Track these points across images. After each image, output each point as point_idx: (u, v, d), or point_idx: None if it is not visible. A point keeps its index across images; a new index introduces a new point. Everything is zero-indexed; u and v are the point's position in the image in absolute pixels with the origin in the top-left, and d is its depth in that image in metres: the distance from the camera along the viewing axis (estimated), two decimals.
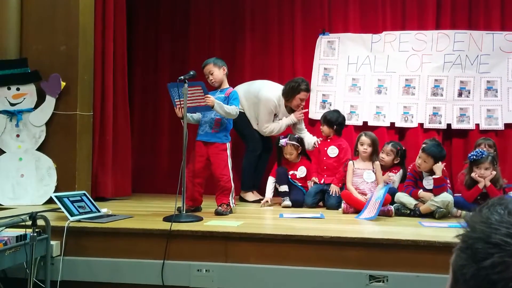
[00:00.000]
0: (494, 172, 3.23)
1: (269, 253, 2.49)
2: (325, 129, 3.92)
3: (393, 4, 4.56)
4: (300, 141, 3.90)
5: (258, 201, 3.96)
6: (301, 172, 3.87)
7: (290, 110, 4.07)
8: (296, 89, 3.94)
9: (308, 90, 4.02)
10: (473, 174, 3.25)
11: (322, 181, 3.82)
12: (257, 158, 4.15)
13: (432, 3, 4.48)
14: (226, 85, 3.40)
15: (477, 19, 4.45)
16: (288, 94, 3.97)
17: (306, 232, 2.54)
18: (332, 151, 3.87)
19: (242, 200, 4.06)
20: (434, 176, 3.24)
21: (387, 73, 4.50)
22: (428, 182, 3.30)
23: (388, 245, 2.41)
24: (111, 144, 3.87)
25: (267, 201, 3.73)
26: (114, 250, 2.59)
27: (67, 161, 3.54)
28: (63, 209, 2.79)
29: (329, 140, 3.93)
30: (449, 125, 4.38)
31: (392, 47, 4.49)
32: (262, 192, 3.97)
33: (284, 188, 3.76)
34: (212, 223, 2.79)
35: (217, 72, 3.32)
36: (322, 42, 4.62)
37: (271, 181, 3.83)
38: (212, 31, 4.79)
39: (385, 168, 3.76)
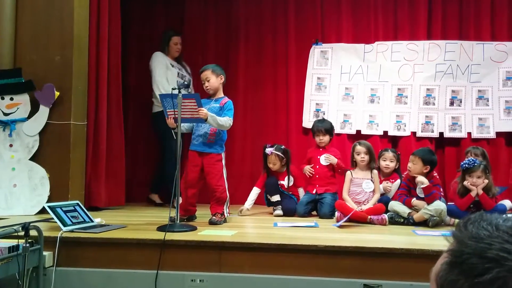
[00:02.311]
0: (486, 181, 3.26)
1: (263, 263, 2.48)
2: (326, 139, 3.89)
3: (385, 15, 4.63)
4: (285, 153, 3.84)
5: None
6: (287, 181, 3.81)
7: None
8: (166, 37, 4.40)
9: (178, 33, 4.44)
10: (465, 183, 3.28)
11: (314, 191, 3.79)
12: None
13: (423, 14, 4.55)
14: (221, 94, 3.38)
15: (468, 29, 4.53)
16: (164, 47, 4.38)
17: (300, 241, 2.53)
18: (326, 159, 3.86)
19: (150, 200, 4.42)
20: (422, 186, 3.27)
21: (379, 82, 4.55)
22: (421, 191, 3.32)
23: (382, 254, 2.41)
24: (105, 154, 3.86)
25: (247, 209, 3.74)
26: (107, 260, 2.57)
27: (60, 171, 3.52)
28: (56, 219, 2.77)
29: (321, 149, 3.92)
30: (441, 134, 4.43)
31: (384, 57, 4.55)
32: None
33: (276, 198, 3.75)
34: (206, 233, 2.78)
35: (214, 80, 3.30)
36: (315, 51, 4.66)
37: (255, 192, 3.81)
38: (206, 41, 4.82)
39: (387, 175, 3.77)
